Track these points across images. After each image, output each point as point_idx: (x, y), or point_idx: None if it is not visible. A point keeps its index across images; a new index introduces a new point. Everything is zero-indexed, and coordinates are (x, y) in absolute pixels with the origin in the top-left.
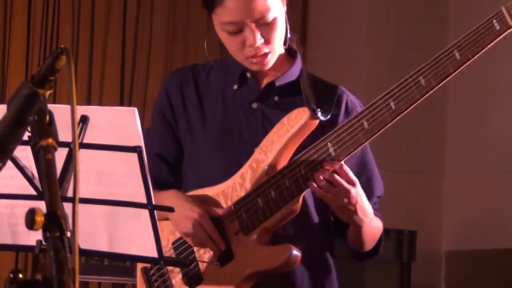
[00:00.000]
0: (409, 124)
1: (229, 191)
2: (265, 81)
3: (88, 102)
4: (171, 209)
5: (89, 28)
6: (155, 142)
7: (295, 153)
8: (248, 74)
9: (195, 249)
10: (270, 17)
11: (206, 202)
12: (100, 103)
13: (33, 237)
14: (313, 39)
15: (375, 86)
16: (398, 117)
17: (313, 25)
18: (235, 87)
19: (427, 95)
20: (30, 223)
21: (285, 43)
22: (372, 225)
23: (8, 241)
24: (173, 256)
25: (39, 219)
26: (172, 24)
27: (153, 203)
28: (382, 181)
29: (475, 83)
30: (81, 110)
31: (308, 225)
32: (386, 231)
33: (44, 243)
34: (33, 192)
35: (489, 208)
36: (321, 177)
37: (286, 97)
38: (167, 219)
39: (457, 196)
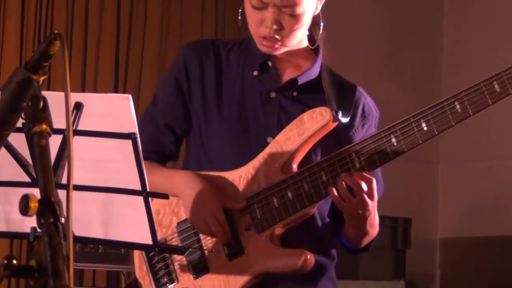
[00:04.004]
0: (404, 112)
1: (239, 181)
2: (286, 73)
3: (83, 90)
4: (165, 196)
5: (83, 15)
6: (165, 110)
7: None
8: (270, 63)
9: (202, 237)
10: (297, 11)
11: (220, 189)
12: (95, 90)
13: (28, 224)
14: None
15: (371, 82)
16: (429, 139)
17: None
18: (255, 73)
19: (460, 122)
20: (24, 209)
21: (312, 43)
22: (373, 232)
23: (2, 228)
24: (178, 241)
25: (33, 205)
26: (166, 11)
27: (148, 189)
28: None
29: (469, 71)
30: (75, 97)
31: (314, 224)
32: (381, 218)
33: (38, 230)
34: (27, 179)
35: (484, 196)
36: (344, 185)
37: (305, 93)
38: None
39: (452, 184)
